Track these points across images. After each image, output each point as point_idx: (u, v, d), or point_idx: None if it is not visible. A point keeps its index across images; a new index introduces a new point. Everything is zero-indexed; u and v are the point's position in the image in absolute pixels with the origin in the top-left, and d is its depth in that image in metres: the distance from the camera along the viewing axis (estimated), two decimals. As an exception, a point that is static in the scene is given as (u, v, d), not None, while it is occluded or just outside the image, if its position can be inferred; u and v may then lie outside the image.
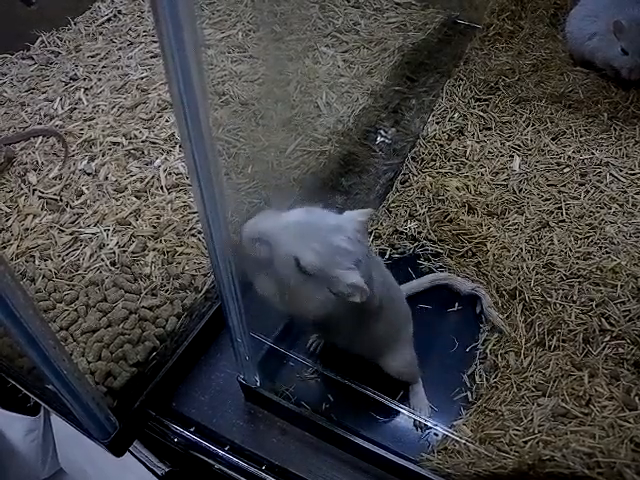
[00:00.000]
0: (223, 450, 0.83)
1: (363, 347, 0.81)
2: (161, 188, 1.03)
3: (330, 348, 0.89)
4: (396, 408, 0.84)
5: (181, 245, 0.95)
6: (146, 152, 1.09)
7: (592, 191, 1.07)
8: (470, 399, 0.85)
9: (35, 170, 1.08)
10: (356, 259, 0.64)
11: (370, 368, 0.84)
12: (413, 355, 0.84)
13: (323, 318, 0.68)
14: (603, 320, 0.86)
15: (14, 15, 1.29)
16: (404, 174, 1.15)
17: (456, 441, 0.78)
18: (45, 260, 0.93)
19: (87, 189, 1.03)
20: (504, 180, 1.11)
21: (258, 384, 0.83)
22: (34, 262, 0.92)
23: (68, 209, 1.00)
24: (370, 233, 1.06)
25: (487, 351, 0.89)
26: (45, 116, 1.18)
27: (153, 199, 1.02)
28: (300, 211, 0.65)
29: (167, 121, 1.15)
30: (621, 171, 1.10)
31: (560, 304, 0.90)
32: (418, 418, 0.83)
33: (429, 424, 0.82)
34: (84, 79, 1.27)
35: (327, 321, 0.70)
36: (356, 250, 0.64)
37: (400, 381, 0.85)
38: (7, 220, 0.99)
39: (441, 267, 1.00)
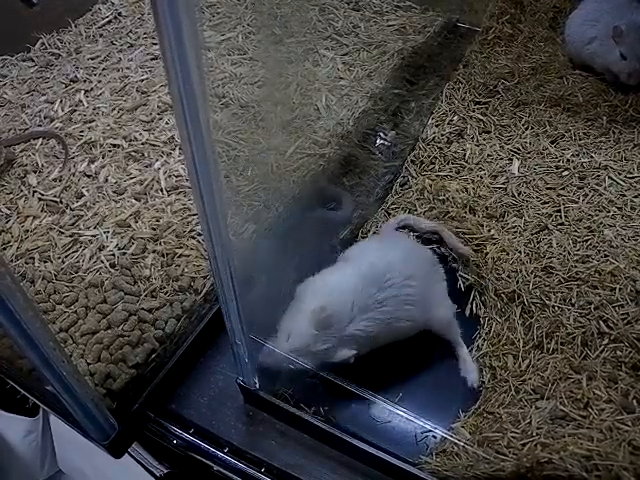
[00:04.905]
0: (222, 452, 0.83)
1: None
2: (161, 190, 1.04)
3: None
4: (395, 411, 0.83)
5: (181, 247, 0.95)
6: (146, 154, 1.10)
7: (591, 194, 1.07)
8: (468, 402, 0.85)
9: (35, 172, 1.08)
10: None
11: (370, 370, 0.84)
12: (448, 305, 0.90)
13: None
14: (601, 323, 0.86)
15: (15, 17, 1.29)
16: (403, 177, 1.15)
17: (455, 444, 0.78)
18: (45, 262, 0.93)
19: (87, 191, 1.03)
20: (503, 183, 1.11)
21: (257, 386, 0.83)
22: (34, 264, 0.92)
23: (68, 211, 1.01)
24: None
25: (485, 354, 0.89)
26: (45, 118, 1.18)
27: (153, 201, 1.02)
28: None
29: (167, 123, 1.15)
30: (620, 174, 1.10)
31: (558, 307, 0.90)
32: (416, 420, 0.83)
33: (428, 426, 0.83)
34: (84, 81, 1.27)
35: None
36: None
37: (401, 381, 0.86)
38: (7, 222, 0.99)
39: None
